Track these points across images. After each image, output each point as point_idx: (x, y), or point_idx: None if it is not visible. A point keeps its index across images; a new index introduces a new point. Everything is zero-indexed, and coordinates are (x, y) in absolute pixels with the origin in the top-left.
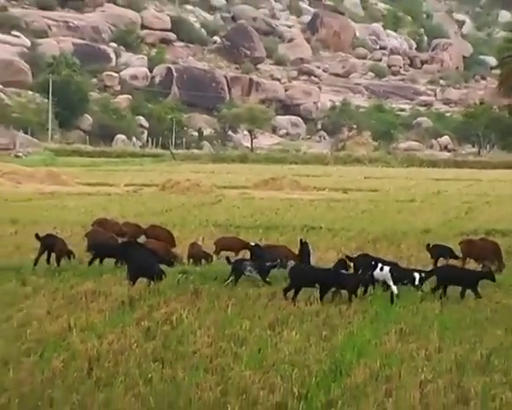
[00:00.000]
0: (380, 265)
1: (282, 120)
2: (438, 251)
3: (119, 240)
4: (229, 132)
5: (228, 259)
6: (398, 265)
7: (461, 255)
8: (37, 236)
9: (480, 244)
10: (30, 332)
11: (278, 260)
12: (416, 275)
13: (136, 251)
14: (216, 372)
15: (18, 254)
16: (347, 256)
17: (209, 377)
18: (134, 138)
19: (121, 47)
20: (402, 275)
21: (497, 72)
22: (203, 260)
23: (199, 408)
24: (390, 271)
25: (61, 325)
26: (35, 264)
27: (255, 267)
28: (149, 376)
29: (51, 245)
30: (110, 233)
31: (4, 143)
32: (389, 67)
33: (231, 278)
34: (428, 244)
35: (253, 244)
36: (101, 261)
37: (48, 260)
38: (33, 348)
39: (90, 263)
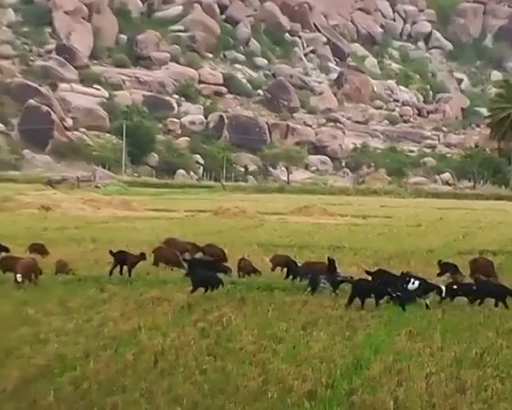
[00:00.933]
0: (412, 279)
1: (313, 158)
2: (445, 267)
3: (183, 255)
4: (270, 168)
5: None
6: (427, 280)
7: (464, 272)
8: (111, 252)
9: (485, 263)
10: (107, 331)
11: (348, 277)
12: (443, 288)
13: (199, 266)
14: (258, 365)
15: (97, 266)
16: (366, 271)
17: (253, 369)
18: (192, 173)
19: (182, 98)
20: (430, 288)
21: (489, 121)
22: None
23: (244, 395)
24: (419, 284)
25: (132, 325)
26: (110, 274)
27: (328, 281)
28: (204, 367)
29: (123, 259)
30: (173, 250)
31: (87, 176)
32: (401, 116)
33: (309, 289)
34: (440, 261)
35: (295, 261)
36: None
37: (121, 272)
38: (109, 343)
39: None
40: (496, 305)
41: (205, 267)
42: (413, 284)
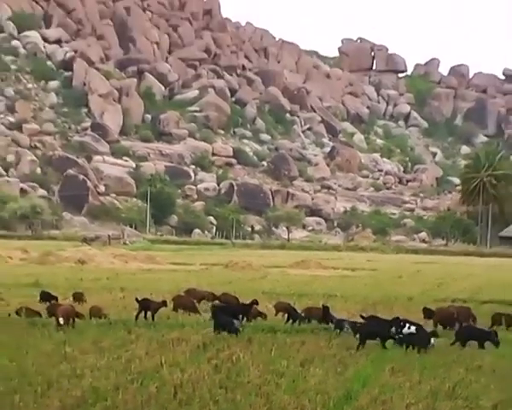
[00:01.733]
0: (407, 324)
1: (310, 220)
2: (428, 313)
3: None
4: (273, 228)
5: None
6: (422, 326)
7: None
8: (136, 299)
9: (464, 311)
10: (133, 367)
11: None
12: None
13: (220, 313)
14: (263, 396)
15: (125, 311)
16: (361, 316)
17: (258, 400)
18: (206, 232)
19: (198, 168)
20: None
21: (459, 188)
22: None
23: None
24: (416, 329)
25: (155, 362)
26: (136, 319)
27: (350, 326)
28: (217, 399)
29: (147, 306)
30: (190, 298)
31: (116, 234)
32: (384, 183)
33: (336, 331)
34: (424, 308)
35: (295, 307)
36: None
37: (145, 316)
38: (136, 378)
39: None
40: (482, 347)
41: (230, 314)
42: (409, 328)
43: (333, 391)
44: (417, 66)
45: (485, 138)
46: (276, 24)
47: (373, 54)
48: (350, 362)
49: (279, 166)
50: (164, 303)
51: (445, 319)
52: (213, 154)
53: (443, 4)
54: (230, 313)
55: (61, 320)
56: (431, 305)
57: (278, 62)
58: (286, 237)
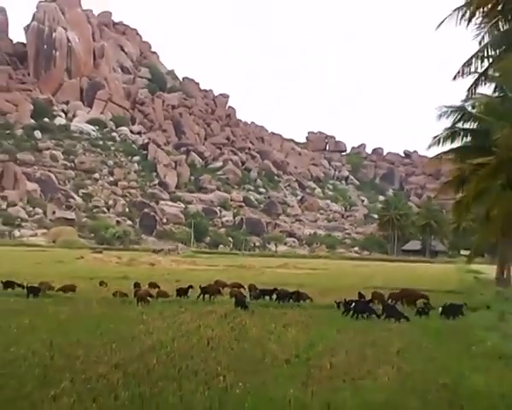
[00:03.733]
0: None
1: (289, 239)
2: (360, 295)
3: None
4: (267, 244)
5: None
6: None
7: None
8: (190, 286)
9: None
10: (183, 327)
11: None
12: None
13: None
14: (260, 345)
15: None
16: (359, 296)
17: (258, 347)
18: (227, 246)
19: (222, 208)
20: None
21: (378, 221)
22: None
23: (253, 360)
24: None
25: (196, 324)
26: (178, 296)
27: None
28: (233, 347)
29: (205, 291)
30: (216, 286)
31: (173, 248)
32: (333, 218)
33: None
34: (359, 292)
35: (280, 291)
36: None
37: (203, 297)
38: (184, 334)
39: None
40: (398, 321)
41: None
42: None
43: (302, 342)
44: (353, 148)
45: (392, 191)
46: (269, 121)
47: (326, 140)
48: (313, 326)
49: (270, 207)
50: (218, 290)
51: (377, 298)
52: (231, 200)
53: (369, 109)
54: (242, 298)
55: (140, 300)
56: (362, 290)
57: (270, 145)
58: (274, 249)
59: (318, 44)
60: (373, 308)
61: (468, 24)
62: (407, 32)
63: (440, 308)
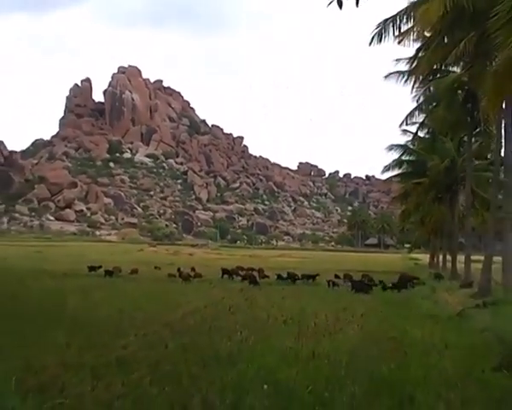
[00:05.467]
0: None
1: (286, 237)
2: (336, 276)
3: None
4: (270, 241)
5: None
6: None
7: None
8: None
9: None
10: (212, 298)
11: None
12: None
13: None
14: (266, 311)
15: (210, 275)
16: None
17: (264, 313)
18: (243, 242)
19: (239, 216)
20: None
21: (347, 225)
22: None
23: (260, 320)
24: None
25: (222, 296)
26: (223, 277)
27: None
28: (247, 312)
29: (229, 272)
30: (238, 270)
31: (205, 243)
32: (317, 222)
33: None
34: (335, 274)
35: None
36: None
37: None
38: (213, 303)
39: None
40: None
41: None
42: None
43: (295, 308)
44: (330, 173)
45: (358, 204)
46: (271, 154)
47: (311, 168)
48: (302, 297)
49: (272, 215)
50: (239, 273)
51: (347, 277)
52: (245, 210)
53: (341, 146)
54: (254, 277)
55: (183, 278)
56: (337, 272)
57: (272, 171)
58: (275, 244)
59: (307, 96)
60: (368, 284)
61: (405, 83)
62: (369, 86)
63: (391, 284)
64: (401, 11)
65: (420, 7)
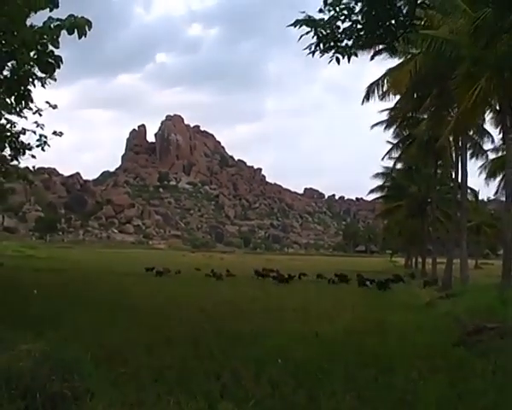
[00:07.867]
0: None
1: (294, 245)
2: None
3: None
4: (284, 249)
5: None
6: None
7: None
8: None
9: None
10: (220, 293)
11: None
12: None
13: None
14: (285, 299)
15: (238, 273)
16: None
17: (278, 299)
18: (262, 249)
19: (259, 229)
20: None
21: (342, 235)
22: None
23: (274, 304)
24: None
25: (229, 290)
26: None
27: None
28: (263, 300)
29: (260, 272)
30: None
31: (232, 250)
32: (318, 233)
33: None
34: (335, 273)
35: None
36: None
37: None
38: (219, 295)
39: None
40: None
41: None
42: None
43: (302, 299)
44: (328, 196)
45: (350, 220)
46: (283, 180)
47: (314, 192)
48: (308, 290)
49: (284, 228)
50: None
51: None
52: (263, 224)
53: (337, 174)
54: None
55: (215, 278)
56: (335, 272)
57: (284, 195)
58: (287, 251)
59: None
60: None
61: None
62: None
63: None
64: (381, 77)
65: (394, 72)
